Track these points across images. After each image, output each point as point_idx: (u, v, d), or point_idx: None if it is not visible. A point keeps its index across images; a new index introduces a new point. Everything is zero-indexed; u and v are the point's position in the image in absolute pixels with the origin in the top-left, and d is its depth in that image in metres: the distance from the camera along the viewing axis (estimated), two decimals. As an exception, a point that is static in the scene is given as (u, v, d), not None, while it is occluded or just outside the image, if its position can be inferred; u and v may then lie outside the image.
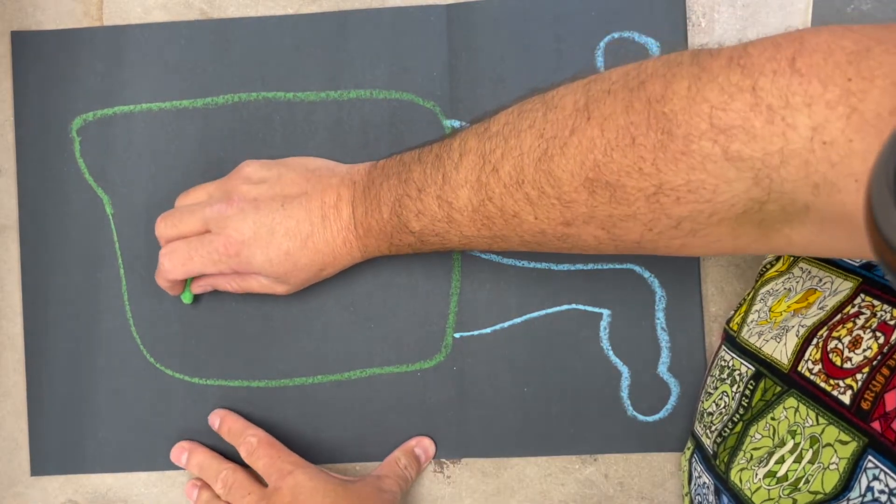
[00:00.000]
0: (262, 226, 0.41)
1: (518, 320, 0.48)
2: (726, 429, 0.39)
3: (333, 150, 0.48)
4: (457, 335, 0.48)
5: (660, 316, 0.47)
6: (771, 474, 0.34)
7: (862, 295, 0.35)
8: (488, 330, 0.48)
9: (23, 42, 0.50)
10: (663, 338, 0.47)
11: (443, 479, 0.48)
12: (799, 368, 0.36)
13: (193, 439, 0.48)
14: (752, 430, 0.37)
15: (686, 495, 0.44)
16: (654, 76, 0.30)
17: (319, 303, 0.48)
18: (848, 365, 0.33)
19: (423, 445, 0.47)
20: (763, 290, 0.43)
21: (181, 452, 0.47)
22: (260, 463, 0.44)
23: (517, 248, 0.39)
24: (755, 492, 0.34)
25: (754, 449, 0.37)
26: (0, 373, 0.49)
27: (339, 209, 0.41)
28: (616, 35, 0.47)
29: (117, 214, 0.49)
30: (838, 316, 0.35)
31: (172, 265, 0.43)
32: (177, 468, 0.48)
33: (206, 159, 0.49)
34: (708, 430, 0.42)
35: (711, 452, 0.41)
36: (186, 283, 0.46)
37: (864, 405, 0.31)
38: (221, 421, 0.47)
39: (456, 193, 0.37)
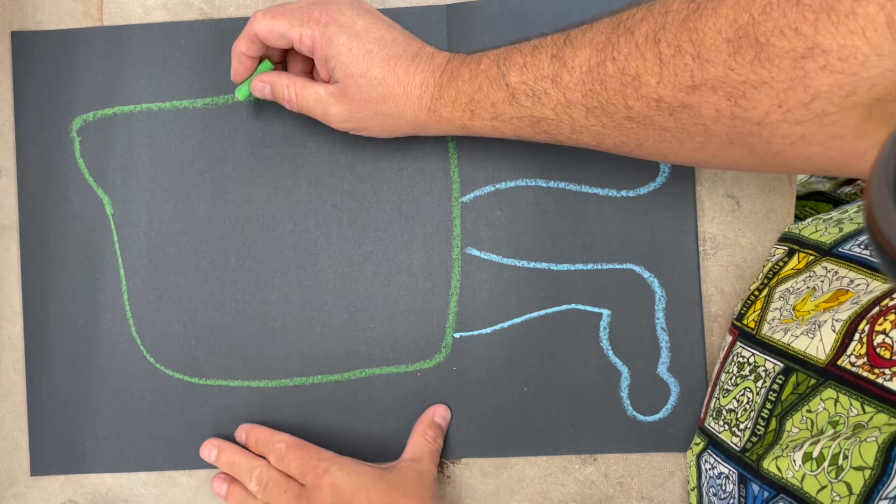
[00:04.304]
0: (362, 19, 0.41)
1: (518, 320, 0.48)
2: (759, 427, 0.39)
3: (334, 150, 0.48)
4: (457, 335, 0.48)
5: (660, 316, 0.47)
6: (807, 456, 0.34)
7: None
8: (488, 330, 0.48)
9: (23, 42, 0.50)
10: (663, 338, 0.47)
11: (443, 479, 0.48)
12: (839, 362, 0.36)
13: (193, 439, 0.48)
14: (787, 425, 0.38)
15: (693, 490, 0.44)
16: None
17: (319, 303, 0.48)
18: None
19: (440, 413, 0.47)
20: (780, 288, 0.43)
21: (210, 449, 0.47)
22: (293, 466, 0.44)
23: (612, 130, 0.37)
24: (803, 480, 0.34)
25: (791, 441, 0.37)
26: (0, 373, 0.49)
27: (433, 57, 0.41)
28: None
29: (117, 214, 0.49)
30: (876, 308, 0.35)
31: (262, 14, 0.42)
32: (179, 468, 0.48)
33: (206, 159, 0.49)
34: (733, 427, 0.42)
35: (739, 448, 0.40)
36: (253, 74, 0.45)
37: None
38: (248, 434, 0.47)
39: (574, 53, 0.36)
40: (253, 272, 0.49)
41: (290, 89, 0.43)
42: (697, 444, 0.44)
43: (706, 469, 0.43)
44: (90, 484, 0.49)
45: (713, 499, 0.42)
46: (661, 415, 0.47)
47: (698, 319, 0.47)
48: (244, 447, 0.47)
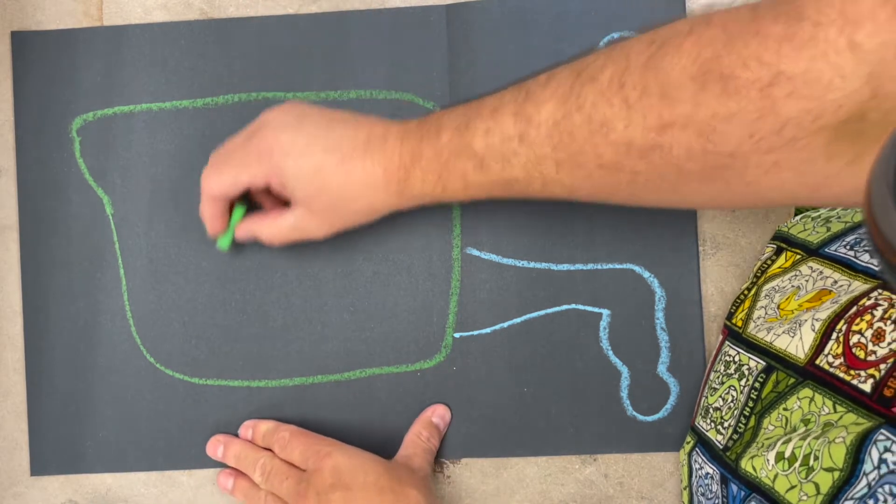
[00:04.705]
0: (300, 131, 0.40)
1: (518, 320, 0.48)
2: (741, 425, 0.40)
3: (333, 150, 0.48)
4: (457, 335, 0.48)
5: (659, 316, 0.47)
6: (780, 456, 0.34)
7: (879, 289, 0.35)
8: (488, 330, 0.48)
9: (23, 42, 0.50)
10: (663, 338, 0.47)
11: (443, 479, 0.48)
12: (817, 362, 0.36)
13: (193, 439, 0.48)
14: (765, 423, 0.38)
15: (685, 489, 0.44)
16: None
17: (319, 303, 0.48)
18: (872, 358, 0.33)
19: (439, 413, 0.47)
20: (767, 286, 0.44)
21: (217, 445, 0.48)
22: (296, 452, 0.44)
23: (584, 181, 0.37)
24: (775, 480, 0.35)
25: (766, 439, 0.37)
26: (0, 373, 0.49)
27: (385, 139, 0.40)
28: (616, 35, 0.47)
29: (117, 214, 0.49)
30: (854, 308, 0.36)
31: (207, 174, 0.42)
32: (179, 468, 0.48)
33: (206, 159, 0.49)
34: (718, 426, 0.42)
35: (722, 446, 0.41)
36: (230, 226, 0.45)
37: (887, 392, 0.31)
38: (254, 428, 0.48)
39: (538, 108, 0.36)
40: (253, 272, 0.49)
41: (263, 234, 0.44)
42: (688, 443, 0.45)
43: (695, 468, 0.43)
44: (90, 484, 0.49)
45: (701, 498, 0.42)
46: (660, 415, 0.47)
47: (698, 319, 0.47)
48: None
